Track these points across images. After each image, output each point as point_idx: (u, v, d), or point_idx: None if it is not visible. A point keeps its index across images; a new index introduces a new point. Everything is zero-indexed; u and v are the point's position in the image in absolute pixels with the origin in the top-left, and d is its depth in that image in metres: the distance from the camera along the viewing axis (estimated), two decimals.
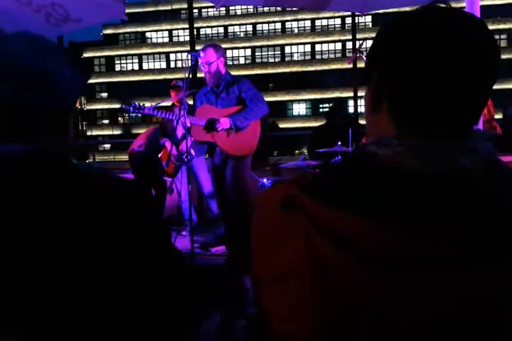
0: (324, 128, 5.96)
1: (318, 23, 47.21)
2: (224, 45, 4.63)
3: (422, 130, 0.73)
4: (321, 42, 46.33)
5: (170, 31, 49.53)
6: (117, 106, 46.57)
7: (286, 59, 47.28)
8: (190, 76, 4.04)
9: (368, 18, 43.41)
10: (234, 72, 4.28)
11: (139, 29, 49.87)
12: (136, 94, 42.68)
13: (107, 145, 45.69)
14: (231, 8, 46.77)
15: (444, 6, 0.75)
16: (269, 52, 47.60)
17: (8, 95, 0.82)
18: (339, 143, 4.63)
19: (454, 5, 0.76)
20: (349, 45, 41.47)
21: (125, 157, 5.26)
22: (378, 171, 0.70)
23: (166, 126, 5.14)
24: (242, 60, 47.33)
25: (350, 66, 7.01)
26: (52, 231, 0.76)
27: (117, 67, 49.95)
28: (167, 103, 5.41)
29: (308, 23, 47.46)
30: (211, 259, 4.14)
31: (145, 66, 49.49)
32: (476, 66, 0.71)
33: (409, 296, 0.65)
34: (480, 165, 0.70)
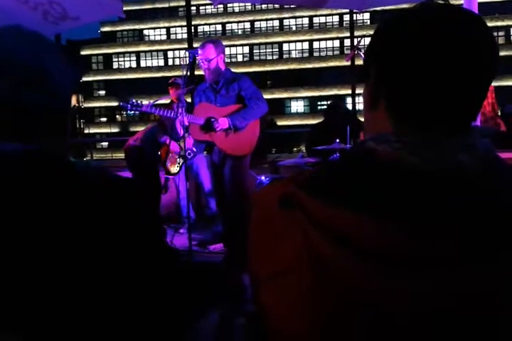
0: (322, 125, 5.95)
1: (316, 20, 47.16)
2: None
3: (420, 126, 0.73)
4: (319, 40, 46.29)
5: (168, 29, 49.46)
6: (115, 104, 46.55)
7: (284, 56, 47.26)
8: (188, 73, 4.03)
9: (366, 15, 43.39)
10: (231, 70, 4.25)
11: (137, 26, 49.78)
12: (134, 91, 42.58)
13: (105, 143, 45.65)
14: (229, 5, 46.72)
15: (443, 2, 0.75)
16: (267, 50, 47.55)
17: (7, 93, 0.81)
18: (337, 140, 4.62)
19: (452, 2, 0.76)
20: (347, 42, 41.45)
21: (123, 155, 5.24)
22: (376, 168, 0.70)
23: (165, 124, 5.13)
24: (240, 58, 47.29)
25: (348, 63, 7.03)
26: (51, 230, 0.76)
27: (115, 65, 49.86)
28: (165, 100, 5.40)
29: (306, 21, 47.42)
30: (209, 257, 4.15)
31: (143, 64, 49.41)
32: (474, 63, 0.71)
33: (408, 293, 0.65)
34: (478, 161, 0.70)
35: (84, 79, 48.98)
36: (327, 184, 0.70)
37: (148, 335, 0.82)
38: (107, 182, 0.85)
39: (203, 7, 47.94)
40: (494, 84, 0.78)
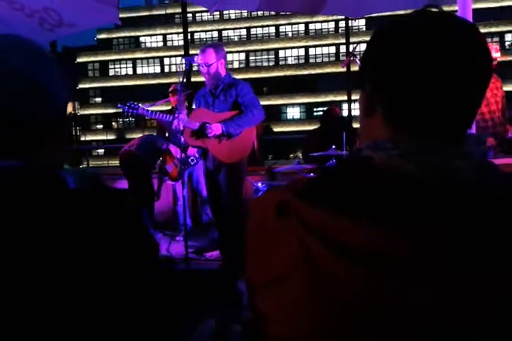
0: (318, 132, 5.97)
1: (312, 26, 47.38)
2: None
3: (416, 134, 0.73)
4: (315, 46, 46.48)
5: (164, 36, 49.58)
6: (111, 111, 46.63)
7: (281, 63, 47.41)
8: (185, 80, 4.04)
9: (362, 22, 43.61)
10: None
11: (133, 34, 49.89)
12: (130, 98, 42.48)
13: (101, 151, 45.58)
14: (225, 12, 46.87)
15: (437, 10, 0.75)
16: (263, 56, 47.71)
17: (7, 105, 0.80)
18: (333, 146, 4.63)
19: (447, 8, 0.76)
20: (343, 48, 41.58)
21: (118, 162, 5.24)
22: (373, 175, 0.70)
23: (163, 129, 5.13)
24: (236, 64, 47.39)
25: (344, 69, 7.05)
26: (37, 247, 0.74)
27: (111, 72, 49.92)
28: (160, 106, 5.40)
29: (302, 27, 47.63)
30: (206, 264, 4.14)
31: (139, 71, 49.49)
32: (469, 70, 0.72)
33: (406, 299, 0.65)
34: (474, 168, 0.70)
35: (81, 86, 49.05)
36: (323, 191, 0.70)
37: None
38: (97, 204, 0.83)
39: (199, 14, 48.10)
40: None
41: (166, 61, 48.53)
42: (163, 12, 49.81)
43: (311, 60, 46.74)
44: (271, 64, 47.51)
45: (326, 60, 46.22)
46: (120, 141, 42.37)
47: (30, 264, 0.74)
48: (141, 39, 50.46)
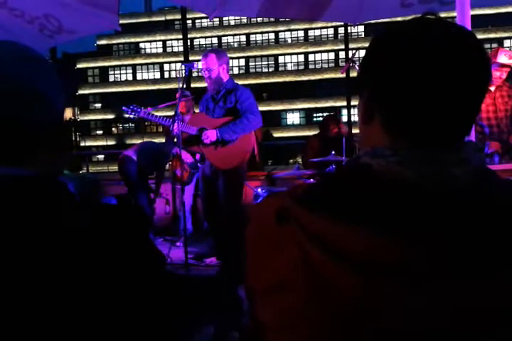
0: (318, 137, 5.96)
1: (311, 33, 47.51)
2: None
3: (414, 141, 0.73)
4: (314, 52, 46.59)
5: (164, 42, 49.68)
6: (111, 116, 46.66)
7: (280, 69, 47.51)
8: (184, 86, 4.04)
9: (361, 28, 43.74)
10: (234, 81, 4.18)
11: (133, 40, 50.00)
12: (130, 104, 42.58)
13: (101, 156, 45.56)
14: (225, 18, 47.02)
15: (435, 17, 0.75)
16: (263, 62, 47.81)
17: (5, 111, 0.80)
18: (333, 152, 4.64)
19: (445, 14, 0.77)
20: (342, 54, 41.68)
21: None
22: (372, 181, 0.70)
23: (170, 134, 5.14)
24: (235, 70, 47.46)
25: (344, 75, 7.07)
26: (35, 260, 0.74)
27: (111, 78, 50.00)
28: (158, 112, 5.40)
29: (301, 33, 47.76)
30: (205, 270, 4.13)
31: (139, 76, 49.56)
32: (466, 78, 0.72)
33: (402, 305, 0.64)
34: (472, 175, 0.70)
35: (80, 92, 49.12)
36: (322, 198, 0.70)
37: None
38: (97, 216, 0.82)
39: (199, 20, 48.24)
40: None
41: (166, 67, 48.63)
42: (163, 18, 49.96)
43: (311, 66, 46.85)
44: (270, 70, 47.62)
45: (325, 66, 46.33)
46: (120, 147, 42.36)
47: (33, 273, 0.73)
48: (141, 45, 50.56)
